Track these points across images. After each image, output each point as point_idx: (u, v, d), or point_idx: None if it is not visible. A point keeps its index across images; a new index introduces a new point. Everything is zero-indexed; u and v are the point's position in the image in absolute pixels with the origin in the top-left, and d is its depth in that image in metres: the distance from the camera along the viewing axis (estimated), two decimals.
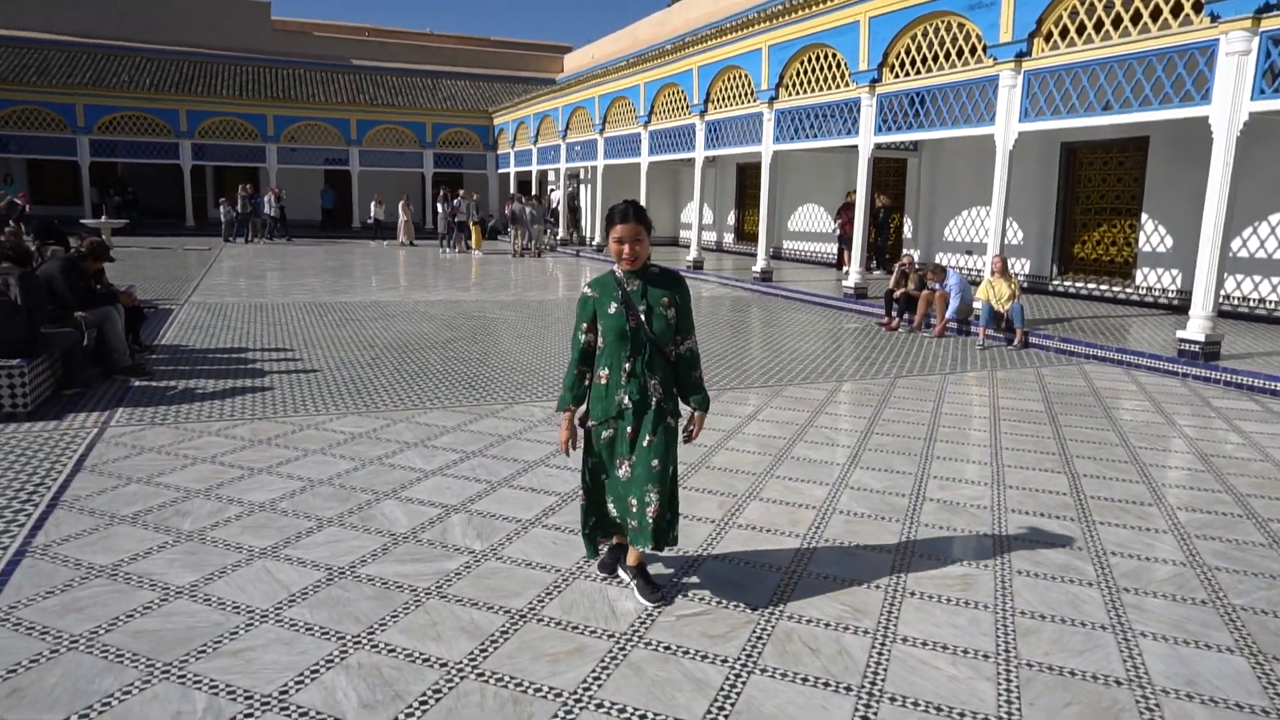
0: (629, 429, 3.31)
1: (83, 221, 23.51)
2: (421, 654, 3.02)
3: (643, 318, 3.27)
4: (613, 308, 3.28)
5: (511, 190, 31.24)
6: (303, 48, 35.27)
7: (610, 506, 3.45)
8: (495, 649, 3.07)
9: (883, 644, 3.19)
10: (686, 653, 3.08)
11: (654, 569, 3.71)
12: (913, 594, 3.62)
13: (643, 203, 20.69)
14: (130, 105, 28.80)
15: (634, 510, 3.32)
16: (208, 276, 16.14)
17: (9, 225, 11.40)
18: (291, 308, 12.14)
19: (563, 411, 3.43)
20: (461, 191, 26.51)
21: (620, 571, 3.64)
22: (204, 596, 3.39)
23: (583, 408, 3.44)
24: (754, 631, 3.26)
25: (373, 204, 29.06)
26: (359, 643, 3.08)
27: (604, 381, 3.33)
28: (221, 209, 26.24)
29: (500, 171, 33.60)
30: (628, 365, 3.27)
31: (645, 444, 3.29)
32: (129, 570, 3.61)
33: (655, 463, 3.29)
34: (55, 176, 30.52)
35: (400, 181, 33.69)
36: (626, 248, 3.27)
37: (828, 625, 3.32)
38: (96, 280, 7.73)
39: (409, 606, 3.36)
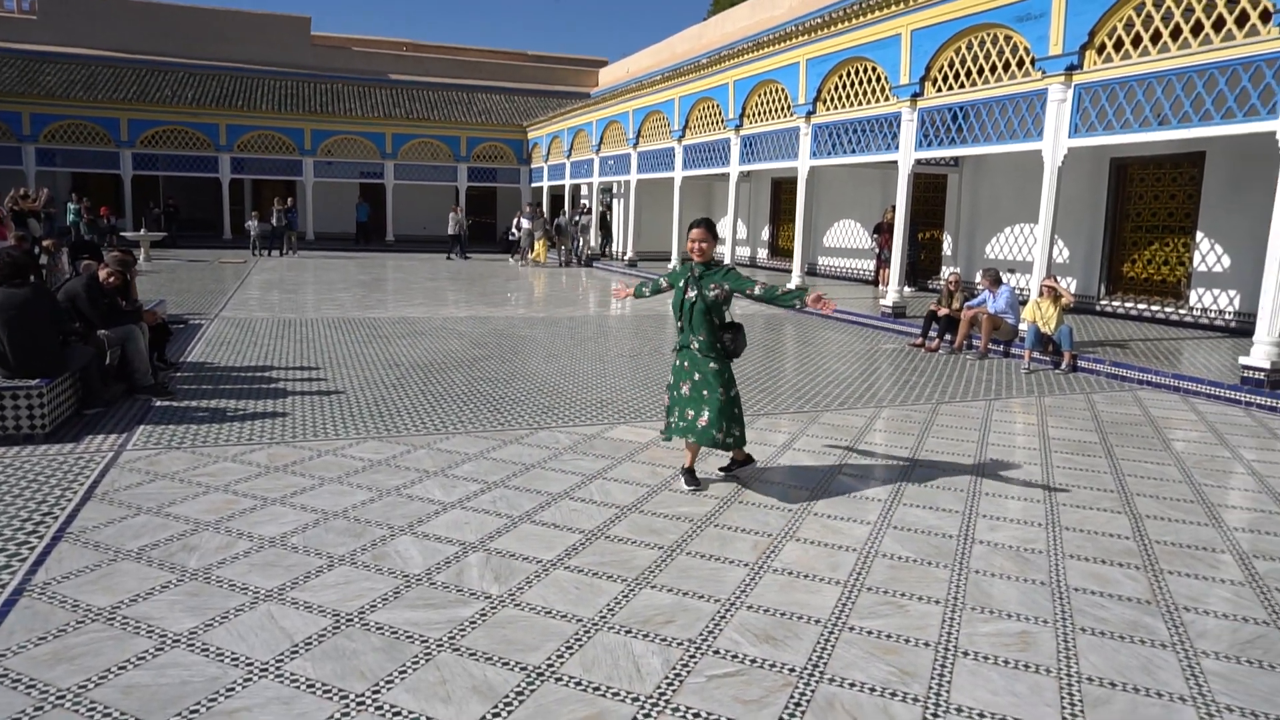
0: (684, 363, 5.10)
1: (122, 234, 23.83)
2: (429, 719, 2.77)
3: (694, 294, 5.00)
4: (681, 282, 5.10)
5: (527, 202, 31.01)
6: (342, 63, 35.61)
7: (674, 412, 5.16)
8: (509, 712, 2.81)
9: (935, 714, 2.88)
10: None
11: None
12: (966, 654, 3.31)
13: (675, 216, 21.05)
14: (172, 120, 29.28)
15: (690, 419, 5.04)
16: (240, 290, 16.18)
17: (19, 236, 11.38)
18: (320, 324, 12.06)
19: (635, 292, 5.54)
20: (528, 207, 26.32)
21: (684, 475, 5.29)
22: (202, 646, 3.18)
23: (635, 289, 5.52)
24: (791, 696, 2.97)
25: (521, 219, 25.85)
26: (363, 703, 2.84)
27: (679, 326, 5.19)
28: (252, 223, 25.73)
29: (533, 185, 33.60)
30: (680, 322, 5.12)
31: (695, 378, 5.05)
32: (127, 614, 3.41)
33: (705, 391, 5.02)
34: (99, 190, 31.07)
35: (439, 195, 33.84)
36: (697, 245, 5.00)
37: (873, 690, 3.03)
38: (123, 296, 7.64)
39: (418, 660, 3.12)
